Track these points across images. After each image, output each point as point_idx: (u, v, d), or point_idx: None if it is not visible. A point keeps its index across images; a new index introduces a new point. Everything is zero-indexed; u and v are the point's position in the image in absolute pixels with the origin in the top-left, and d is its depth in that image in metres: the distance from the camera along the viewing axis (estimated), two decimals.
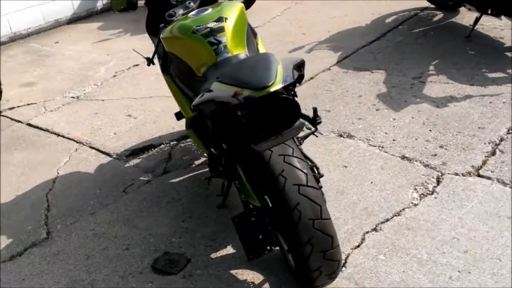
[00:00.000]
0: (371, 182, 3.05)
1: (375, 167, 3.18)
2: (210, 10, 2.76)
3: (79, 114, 4.35)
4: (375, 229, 2.71)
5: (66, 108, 4.50)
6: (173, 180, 3.36)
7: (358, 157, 3.30)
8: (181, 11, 2.92)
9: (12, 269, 2.77)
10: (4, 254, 2.88)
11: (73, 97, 4.70)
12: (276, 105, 2.01)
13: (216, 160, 2.56)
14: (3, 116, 4.50)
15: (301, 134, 2.70)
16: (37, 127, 4.23)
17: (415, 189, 2.95)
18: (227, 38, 2.55)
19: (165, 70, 3.01)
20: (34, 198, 3.32)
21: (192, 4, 2.93)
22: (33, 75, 5.31)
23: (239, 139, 2.15)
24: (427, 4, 5.57)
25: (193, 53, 2.62)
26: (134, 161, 3.62)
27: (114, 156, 3.70)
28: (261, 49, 2.95)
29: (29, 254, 2.86)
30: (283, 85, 1.98)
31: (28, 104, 4.66)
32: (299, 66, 2.19)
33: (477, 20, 4.66)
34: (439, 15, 5.40)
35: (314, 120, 2.49)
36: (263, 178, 2.16)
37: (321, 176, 2.36)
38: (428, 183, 2.98)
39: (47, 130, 4.16)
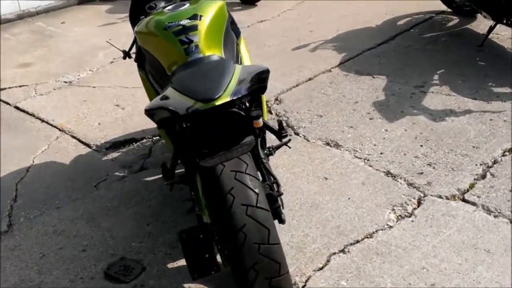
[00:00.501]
0: (349, 198, 2.89)
1: (356, 181, 3.01)
2: (187, 5, 2.60)
3: (68, 100, 4.26)
4: (342, 251, 2.55)
5: (56, 93, 4.41)
6: (148, 178, 3.24)
7: (340, 169, 3.13)
8: (162, 4, 2.77)
9: None
10: None
11: (65, 82, 4.61)
12: (223, 119, 1.86)
13: (172, 166, 2.38)
14: None
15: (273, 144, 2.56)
16: (23, 111, 4.15)
17: (393, 209, 2.78)
18: (199, 37, 2.39)
19: (140, 65, 2.87)
20: (3, 187, 3.23)
21: None
22: (32, 56, 5.24)
23: (186, 152, 2.01)
24: (445, 7, 5.32)
25: (164, 51, 2.47)
26: (113, 155, 3.52)
27: (94, 148, 3.60)
28: (243, 50, 2.79)
29: None
30: (231, 99, 1.82)
31: (20, 86, 4.59)
32: (261, 77, 2.02)
33: (491, 29, 4.40)
34: (455, 20, 5.14)
35: (280, 134, 2.33)
36: (212, 193, 2.01)
37: (280, 194, 2.19)
38: (407, 204, 2.80)
39: (32, 115, 4.08)
